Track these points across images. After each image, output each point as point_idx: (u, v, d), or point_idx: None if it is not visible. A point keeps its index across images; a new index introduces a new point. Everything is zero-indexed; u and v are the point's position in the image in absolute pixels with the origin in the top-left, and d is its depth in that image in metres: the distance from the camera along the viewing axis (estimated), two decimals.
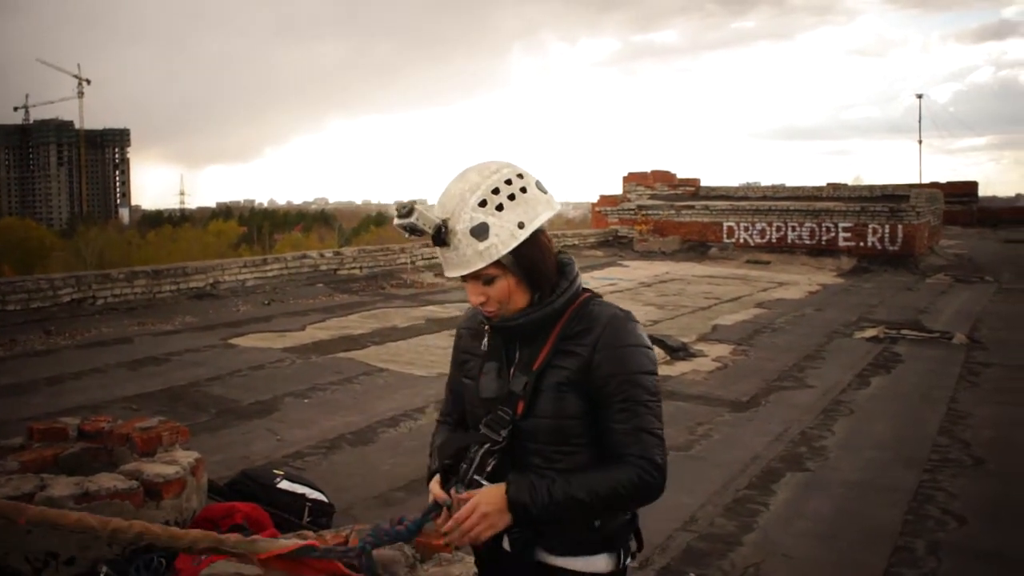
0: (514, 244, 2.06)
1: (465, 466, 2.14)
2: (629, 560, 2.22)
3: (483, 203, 2.05)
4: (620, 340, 2.11)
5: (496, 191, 2.06)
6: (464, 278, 2.12)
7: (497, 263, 2.07)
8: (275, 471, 5.20)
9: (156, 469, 4.29)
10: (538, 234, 2.11)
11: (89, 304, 12.85)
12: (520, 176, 2.10)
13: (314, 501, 4.92)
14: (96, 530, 2.32)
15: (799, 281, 19.47)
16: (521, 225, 2.06)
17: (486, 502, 2.06)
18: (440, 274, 18.22)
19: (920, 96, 61.12)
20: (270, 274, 16.02)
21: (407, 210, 2.04)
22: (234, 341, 11.09)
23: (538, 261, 2.13)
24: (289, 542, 2.26)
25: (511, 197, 2.06)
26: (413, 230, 2.06)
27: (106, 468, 4.41)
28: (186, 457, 4.53)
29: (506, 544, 2.18)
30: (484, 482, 2.11)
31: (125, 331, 11.67)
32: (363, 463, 6.41)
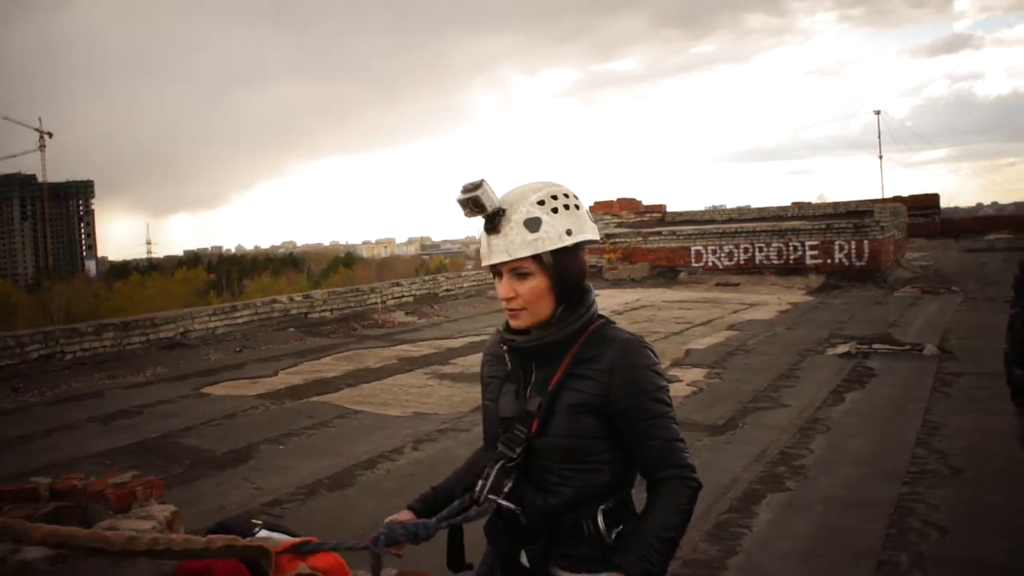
0: (559, 245, 2.19)
1: (481, 482, 2.26)
2: None
3: (541, 202, 2.19)
4: (634, 363, 2.22)
5: (555, 197, 2.21)
6: (499, 273, 2.24)
7: (538, 260, 2.19)
8: (253, 520, 5.12)
9: (132, 525, 4.22)
10: (579, 249, 2.26)
11: (58, 359, 12.70)
12: (576, 197, 2.26)
13: None
14: (111, 542, 2.29)
15: (769, 301, 19.57)
16: (569, 232, 2.20)
17: None
18: (411, 312, 18.18)
19: (878, 112, 62.19)
20: (240, 321, 15.91)
21: (475, 184, 2.16)
22: (206, 390, 11.00)
23: (574, 271, 2.25)
24: (289, 539, 2.25)
25: (566, 207, 2.21)
26: (477, 204, 2.17)
27: (81, 527, 4.33)
28: (162, 511, 4.45)
29: (524, 560, 2.28)
30: (503, 502, 2.23)
31: (95, 385, 11.55)
32: (342, 507, 6.35)
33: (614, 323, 2.35)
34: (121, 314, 23.12)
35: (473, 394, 10.02)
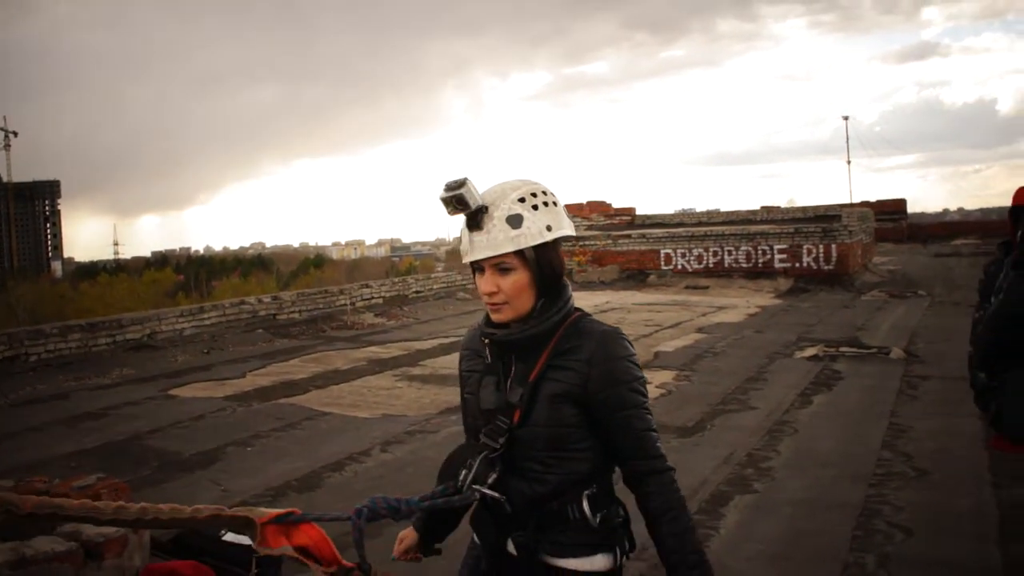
0: (541, 240, 2.25)
1: (464, 472, 2.31)
2: (624, 558, 2.37)
3: (522, 200, 2.25)
4: (612, 354, 2.28)
5: (534, 195, 2.28)
6: (480, 268, 2.28)
7: (520, 255, 2.24)
8: None
9: (96, 528, 4.18)
10: (557, 245, 2.33)
11: (22, 361, 12.55)
12: (554, 195, 2.33)
13: None
14: (100, 511, 2.29)
15: (738, 304, 19.67)
16: (549, 228, 2.26)
17: None
18: (380, 314, 18.13)
19: (847, 118, 62.31)
20: (208, 322, 15.80)
21: (458, 183, 2.20)
22: (174, 392, 10.92)
23: (554, 265, 2.31)
24: (272, 510, 2.26)
25: (544, 204, 2.28)
26: (460, 201, 2.21)
27: (44, 531, 4.28)
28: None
29: (511, 547, 2.33)
30: (486, 491, 2.27)
31: (61, 387, 11.43)
32: (310, 509, 6.23)
33: (590, 315, 2.40)
34: (88, 315, 22.90)
35: (442, 396, 10.01)
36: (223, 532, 4.87)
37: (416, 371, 11.82)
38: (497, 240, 2.22)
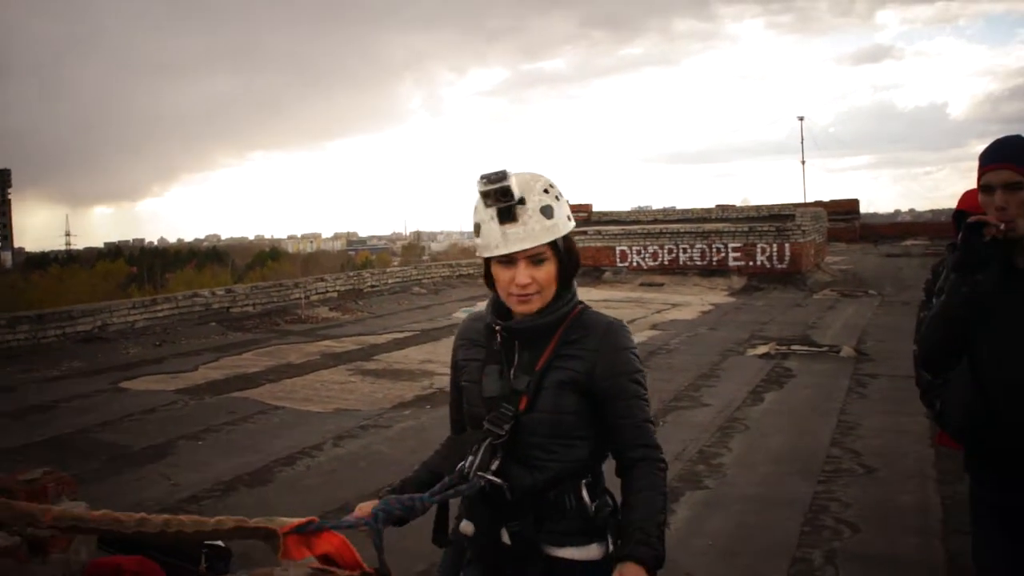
0: (568, 230, 2.31)
1: (471, 458, 2.32)
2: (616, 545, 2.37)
3: (546, 191, 2.28)
4: (618, 345, 2.35)
5: (552, 186, 2.31)
6: (510, 260, 2.27)
7: (554, 245, 2.28)
8: None
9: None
10: (572, 234, 2.36)
11: None
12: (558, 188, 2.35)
13: (210, 546, 4.78)
14: (123, 524, 2.26)
15: (692, 301, 19.80)
16: (569, 218, 2.32)
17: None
18: (335, 308, 18.02)
19: (802, 118, 62.34)
20: (160, 314, 15.63)
21: (501, 175, 2.21)
22: (124, 385, 10.79)
23: (575, 254, 2.37)
24: (293, 520, 2.25)
25: (559, 196, 2.31)
26: (505, 193, 2.21)
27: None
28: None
29: (506, 538, 2.33)
30: (491, 478, 2.28)
31: (8, 379, 11.24)
32: (261, 504, 6.26)
33: (591, 307, 2.44)
34: (39, 306, 22.53)
35: (396, 390, 9.99)
36: None
37: (370, 366, 11.78)
38: (535, 231, 2.23)
